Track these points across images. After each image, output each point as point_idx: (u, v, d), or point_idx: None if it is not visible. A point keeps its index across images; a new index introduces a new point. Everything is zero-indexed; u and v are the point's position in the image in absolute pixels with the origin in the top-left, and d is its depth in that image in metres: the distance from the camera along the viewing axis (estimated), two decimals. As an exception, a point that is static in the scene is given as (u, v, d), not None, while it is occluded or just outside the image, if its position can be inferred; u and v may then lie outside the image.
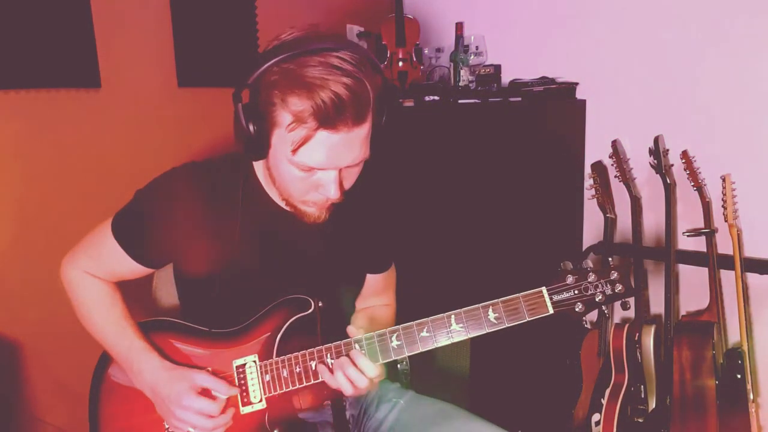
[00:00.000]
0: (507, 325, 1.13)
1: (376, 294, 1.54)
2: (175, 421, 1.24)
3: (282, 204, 1.28)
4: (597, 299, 1.12)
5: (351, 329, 1.23)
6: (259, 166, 1.28)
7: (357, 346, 1.19)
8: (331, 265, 1.37)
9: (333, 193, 1.16)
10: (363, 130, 1.11)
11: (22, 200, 1.94)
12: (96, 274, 1.35)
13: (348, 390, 1.18)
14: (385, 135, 1.20)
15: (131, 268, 1.33)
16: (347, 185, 1.20)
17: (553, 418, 2.43)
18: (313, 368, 1.21)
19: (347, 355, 1.18)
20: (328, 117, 1.05)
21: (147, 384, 1.27)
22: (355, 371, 1.17)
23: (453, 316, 1.15)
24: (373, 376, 1.18)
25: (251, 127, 1.12)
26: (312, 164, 1.12)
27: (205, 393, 1.24)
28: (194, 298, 1.40)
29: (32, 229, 1.96)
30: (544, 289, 1.12)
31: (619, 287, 1.12)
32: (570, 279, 1.12)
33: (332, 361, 1.20)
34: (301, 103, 1.05)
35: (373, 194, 1.40)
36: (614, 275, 1.12)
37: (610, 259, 1.14)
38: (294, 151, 1.10)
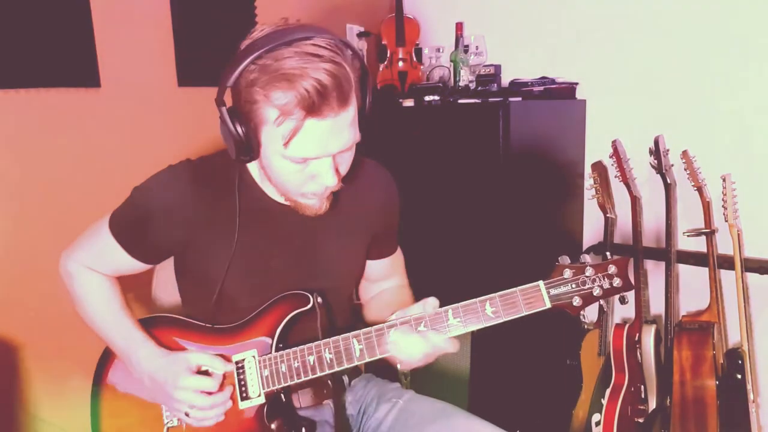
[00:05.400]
0: (504, 319, 1.12)
1: (386, 276, 1.55)
2: (174, 404, 1.26)
3: (277, 198, 1.29)
4: (594, 293, 1.11)
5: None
6: (252, 163, 1.28)
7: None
8: (329, 259, 1.37)
9: (330, 181, 1.15)
10: (349, 114, 1.11)
11: (22, 200, 1.94)
12: (94, 268, 1.36)
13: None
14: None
15: (129, 264, 1.34)
16: (342, 171, 1.20)
17: (554, 418, 2.43)
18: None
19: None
20: (314, 105, 1.05)
21: (145, 372, 1.28)
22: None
23: (450, 311, 1.15)
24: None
25: (239, 129, 1.12)
26: (305, 155, 1.11)
27: (202, 372, 1.26)
28: (194, 294, 1.40)
29: (32, 229, 1.96)
30: (541, 283, 1.12)
31: (617, 281, 1.11)
32: (567, 273, 1.12)
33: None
34: (285, 96, 1.05)
35: (370, 186, 1.40)
36: (612, 269, 1.12)
37: (608, 253, 1.14)
38: (286, 144, 1.09)
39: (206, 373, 1.26)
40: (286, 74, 1.04)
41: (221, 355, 1.28)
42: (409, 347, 1.16)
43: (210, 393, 1.24)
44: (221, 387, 1.25)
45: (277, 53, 1.06)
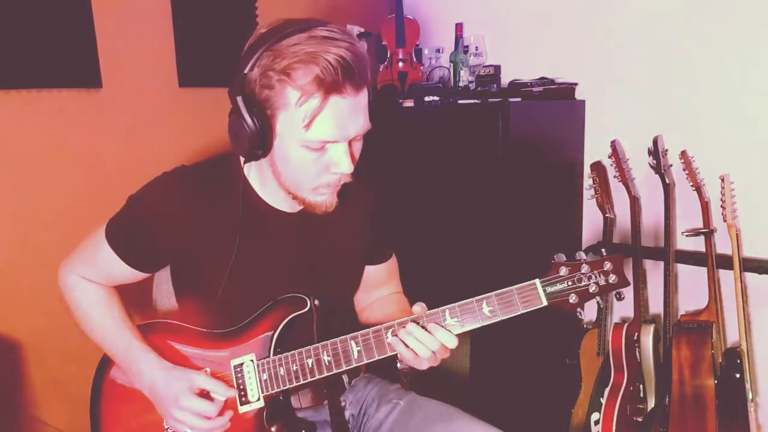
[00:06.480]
0: (501, 318, 1.12)
1: (382, 284, 1.54)
2: (172, 422, 1.25)
3: (276, 205, 1.29)
4: (591, 290, 1.11)
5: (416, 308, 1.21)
6: (249, 168, 1.28)
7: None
8: (328, 264, 1.37)
9: (347, 167, 1.15)
10: (364, 97, 1.13)
11: (23, 200, 1.95)
12: (92, 278, 1.36)
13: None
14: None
15: (127, 273, 1.33)
16: (355, 159, 1.19)
17: (553, 416, 2.43)
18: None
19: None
20: (337, 80, 1.06)
21: (146, 384, 1.28)
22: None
23: (447, 311, 1.15)
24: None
25: (254, 120, 1.11)
26: (326, 137, 1.11)
27: (204, 394, 1.24)
28: (192, 300, 1.38)
29: (32, 229, 1.97)
30: (537, 281, 1.11)
31: (612, 278, 1.11)
32: (563, 271, 1.11)
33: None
34: (309, 72, 1.06)
35: (368, 188, 1.41)
36: (608, 266, 1.11)
37: (603, 250, 1.14)
38: (307, 125, 1.09)
39: (208, 395, 1.25)
40: (307, 52, 1.06)
41: (219, 359, 1.28)
42: (417, 346, 1.16)
43: (209, 417, 1.23)
44: (221, 411, 1.24)
45: (293, 38, 1.08)
